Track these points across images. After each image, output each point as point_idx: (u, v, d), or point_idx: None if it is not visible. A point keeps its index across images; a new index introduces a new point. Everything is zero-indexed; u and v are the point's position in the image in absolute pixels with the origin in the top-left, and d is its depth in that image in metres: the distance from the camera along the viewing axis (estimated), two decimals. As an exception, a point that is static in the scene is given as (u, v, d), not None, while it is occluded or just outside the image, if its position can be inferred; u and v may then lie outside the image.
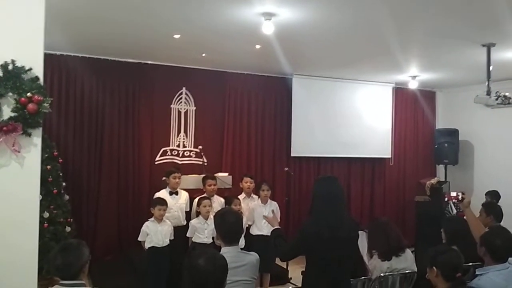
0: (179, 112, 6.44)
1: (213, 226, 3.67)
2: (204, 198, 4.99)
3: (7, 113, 2.82)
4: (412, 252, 3.61)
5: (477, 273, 2.82)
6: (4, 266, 2.80)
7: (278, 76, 6.92)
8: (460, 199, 3.44)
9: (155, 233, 4.63)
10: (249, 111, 6.84)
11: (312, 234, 2.79)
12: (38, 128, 2.91)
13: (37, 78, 2.88)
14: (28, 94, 2.82)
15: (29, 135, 2.88)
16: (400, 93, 7.77)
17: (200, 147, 6.16)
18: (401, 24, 4.21)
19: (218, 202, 5.20)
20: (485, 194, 5.68)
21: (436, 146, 7.72)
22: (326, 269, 2.80)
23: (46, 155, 4.82)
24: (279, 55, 5.39)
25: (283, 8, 3.84)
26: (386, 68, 6.41)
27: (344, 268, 2.89)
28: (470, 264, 3.16)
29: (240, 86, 6.74)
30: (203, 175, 5.45)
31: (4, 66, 2.79)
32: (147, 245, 4.62)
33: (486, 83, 5.08)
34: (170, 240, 4.72)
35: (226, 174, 5.93)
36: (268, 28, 4.05)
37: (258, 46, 5.09)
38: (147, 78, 6.17)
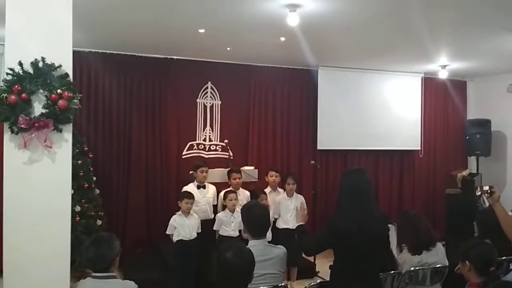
0: (205, 106, 6.48)
1: (239, 219, 3.68)
2: (230, 191, 5.02)
3: (38, 109, 2.87)
4: (443, 246, 3.53)
5: (511, 267, 2.74)
6: (38, 259, 2.88)
7: (303, 68, 6.86)
8: (489, 192, 3.23)
9: (182, 227, 4.68)
10: (275, 104, 6.81)
11: (340, 228, 2.75)
12: (68, 124, 2.96)
13: (66, 75, 2.93)
14: (58, 90, 2.87)
15: (60, 131, 2.93)
16: (430, 83, 7.58)
17: (226, 141, 6.20)
18: (430, 12, 4.08)
19: (243, 195, 5.23)
20: (519, 186, 5.50)
21: (467, 137, 7.51)
22: (355, 263, 2.76)
23: (77, 151, 4.93)
24: (304, 47, 5.34)
25: (308, -1, 3.79)
26: (415, 58, 6.25)
27: (373, 262, 2.84)
28: (504, 258, 3.07)
29: (265, 79, 6.72)
30: (228, 169, 5.48)
31: (35, 63, 2.85)
32: (175, 238, 4.68)
33: (520, 72, 4.92)
34: (197, 233, 4.77)
35: (252, 167, 5.94)
36: (293, 20, 4.00)
37: (283, 39, 5.05)
38: (173, 73, 6.23)
